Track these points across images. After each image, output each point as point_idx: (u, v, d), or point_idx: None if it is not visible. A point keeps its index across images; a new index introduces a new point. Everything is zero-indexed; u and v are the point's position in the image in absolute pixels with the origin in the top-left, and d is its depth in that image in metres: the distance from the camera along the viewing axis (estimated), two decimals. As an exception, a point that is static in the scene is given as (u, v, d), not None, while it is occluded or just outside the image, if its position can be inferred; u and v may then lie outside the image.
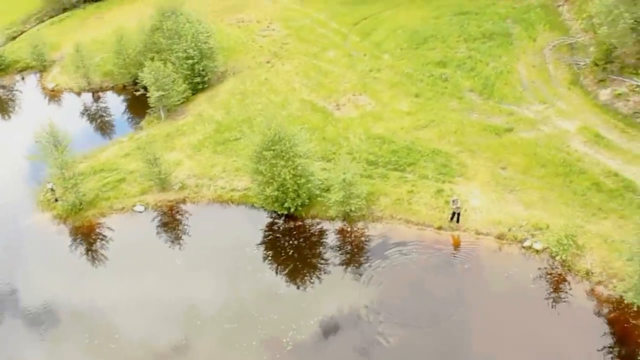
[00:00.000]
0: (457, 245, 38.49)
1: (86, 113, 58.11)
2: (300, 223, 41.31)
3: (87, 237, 42.37)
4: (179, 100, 53.07)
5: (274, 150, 39.16)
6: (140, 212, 43.63)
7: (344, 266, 38.03)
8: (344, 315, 34.92)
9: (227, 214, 43.11)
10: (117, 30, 58.38)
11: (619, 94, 46.29)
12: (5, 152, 52.17)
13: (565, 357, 31.48)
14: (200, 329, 34.89)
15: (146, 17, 58.68)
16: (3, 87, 63.80)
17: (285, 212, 41.30)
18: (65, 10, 77.66)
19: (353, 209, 39.79)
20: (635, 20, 45.04)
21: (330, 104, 51.88)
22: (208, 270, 38.44)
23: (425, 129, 47.22)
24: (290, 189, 39.98)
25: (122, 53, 58.06)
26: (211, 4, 71.65)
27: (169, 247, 40.98)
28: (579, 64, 51.31)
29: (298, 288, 37.27)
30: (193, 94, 55.33)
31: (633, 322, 32.60)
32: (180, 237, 41.73)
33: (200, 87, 55.89)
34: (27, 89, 63.42)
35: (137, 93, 54.23)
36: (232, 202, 43.70)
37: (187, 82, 54.64)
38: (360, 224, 40.50)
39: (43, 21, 76.36)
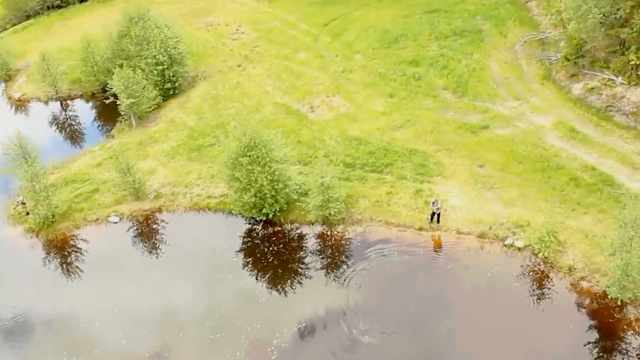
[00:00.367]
0: (438, 246, 38.32)
1: (55, 122, 56.93)
2: (279, 228, 40.85)
3: (61, 250, 41.38)
4: (150, 107, 52.23)
5: (249, 156, 38.64)
6: (115, 222, 42.75)
7: (325, 270, 37.66)
8: (327, 321, 34.51)
9: (204, 222, 42.46)
10: (84, 37, 57.23)
11: (592, 88, 46.63)
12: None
13: (550, 353, 31.42)
14: (183, 341, 34.21)
15: (112, 23, 57.66)
16: (-34, 98, 62.20)
17: (264, 218, 40.80)
18: (28, 17, 76.09)
19: (332, 212, 39.44)
20: (604, 15, 45.38)
21: (304, 107, 51.47)
22: (187, 280, 37.73)
23: (401, 129, 47.05)
24: (268, 195, 39.50)
25: (89, 60, 57.02)
26: (179, 8, 70.84)
27: (147, 257, 40.22)
28: (550, 59, 51.63)
29: (280, 294, 36.80)
30: (164, 100, 54.50)
31: (617, 316, 32.73)
32: (158, 246, 40.99)
33: (172, 92, 55.08)
34: (-8, 100, 61.94)
35: (107, 101, 53.20)
36: (209, 210, 43.05)
37: (157, 88, 53.78)
38: (340, 228, 40.15)
39: (6, 29, 74.78)
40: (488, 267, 36.24)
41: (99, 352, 34.11)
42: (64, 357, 34.14)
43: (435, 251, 38.08)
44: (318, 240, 39.79)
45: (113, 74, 50.78)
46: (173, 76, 54.57)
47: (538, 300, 34.32)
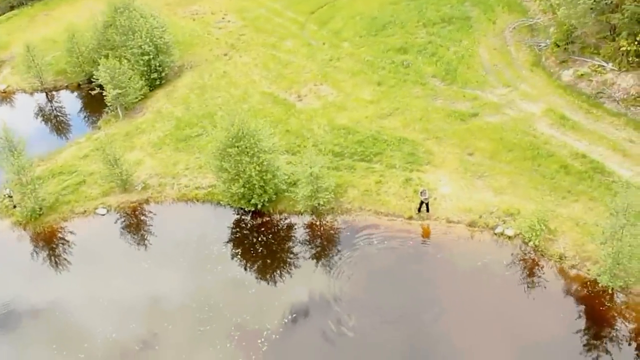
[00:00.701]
0: (427, 235, 38.14)
1: (41, 114, 56.15)
2: (268, 219, 40.56)
3: (49, 242, 40.95)
4: (136, 98, 51.64)
5: (238, 146, 38.25)
6: (103, 214, 42.28)
7: (315, 260, 37.49)
8: (318, 312, 34.35)
9: (192, 213, 42.08)
10: (69, 27, 56.36)
11: (582, 75, 46.39)
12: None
13: (541, 341, 31.33)
14: (172, 333, 33.95)
15: (97, 13, 56.81)
16: (-50, 90, 61.28)
17: (253, 209, 40.48)
18: (12, 8, 74.83)
19: (321, 202, 39.17)
20: (594, 1, 45.02)
21: (291, 95, 51.02)
22: (176, 272, 37.41)
23: (389, 117, 46.72)
24: (256, 185, 39.17)
25: (74, 51, 56.17)
26: (164, -3, 69.91)
27: (135, 249, 39.87)
28: (540, 45, 51.33)
29: (269, 285, 36.62)
30: (150, 90, 53.87)
31: (608, 304, 32.71)
32: (146, 238, 40.61)
33: (158, 83, 54.45)
34: (-24, 92, 61.07)
35: (93, 92, 52.51)
36: (197, 201, 42.66)
37: (143, 78, 53.16)
38: (329, 217, 39.92)
39: (-11, 20, 73.66)
40: (478, 256, 36.10)
41: (89, 345, 33.81)
42: (54, 350, 33.86)
43: (425, 240, 37.90)
44: (307, 230, 39.54)
45: (99, 65, 50.17)
46: (159, 66, 53.93)
47: (529, 289, 34.27)
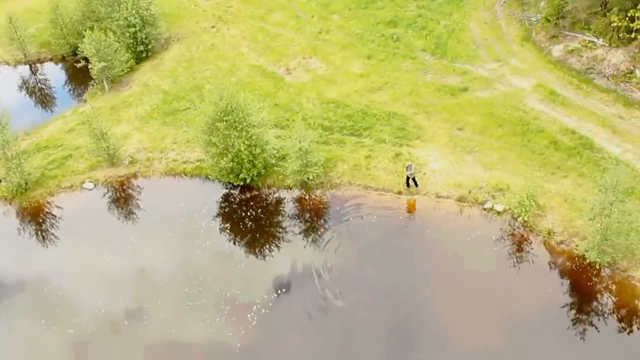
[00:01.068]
0: (412, 209, 38.16)
1: (25, 87, 55.25)
2: (256, 193, 40.42)
3: (36, 217, 40.60)
4: (122, 71, 50.89)
5: (226, 121, 37.89)
6: (90, 189, 41.91)
7: (304, 235, 37.54)
8: (307, 286, 34.41)
9: (180, 187, 41.83)
10: (52, -3, 55.41)
11: (572, 50, 46.17)
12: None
13: (529, 316, 31.60)
14: (162, 308, 33.94)
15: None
16: None
17: (241, 183, 40.25)
18: (-7, -23, 73.43)
19: (311, 177, 38.99)
20: (585, -25, 44.84)
21: (280, 69, 50.50)
22: (165, 247, 37.30)
23: (379, 91, 46.41)
24: (245, 160, 38.92)
25: (58, 22, 55.06)
26: (150, -33, 68.62)
27: (123, 224, 39.70)
28: (530, 20, 50.93)
29: (259, 260, 36.69)
30: (137, 63, 53.08)
31: (595, 279, 32.97)
32: (134, 213, 40.42)
33: (144, 55, 53.64)
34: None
35: (78, 65, 51.62)
36: (185, 175, 42.40)
37: (130, 51, 52.34)
38: (318, 192, 39.84)
39: (-30, -10, 72.08)
40: (467, 231, 36.17)
41: (78, 320, 33.72)
42: (42, 326, 33.73)
43: (413, 215, 37.90)
44: (296, 204, 39.45)
45: (83, 37, 49.29)
46: (145, 38, 53.09)
47: (517, 264, 34.44)
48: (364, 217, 37.90)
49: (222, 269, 35.88)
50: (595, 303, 32.23)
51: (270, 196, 40.26)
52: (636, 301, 31.81)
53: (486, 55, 48.60)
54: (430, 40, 50.69)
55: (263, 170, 40.28)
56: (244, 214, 39.22)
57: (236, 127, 38.08)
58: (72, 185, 42.15)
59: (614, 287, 32.57)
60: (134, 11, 51.48)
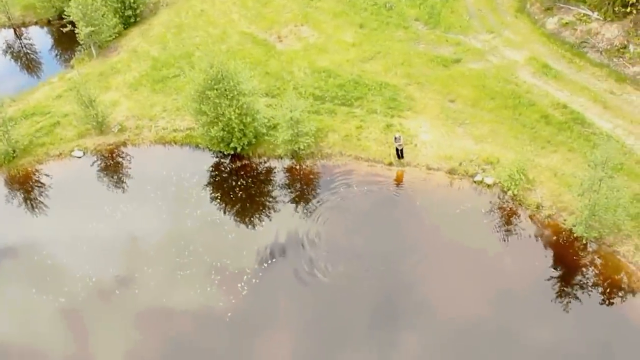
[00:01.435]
0: (399, 180, 38.25)
1: (9, 52, 54.42)
2: (247, 162, 40.30)
3: (24, 185, 40.30)
4: (110, 36, 50.07)
5: (217, 89, 37.55)
6: (79, 157, 41.59)
7: (294, 205, 37.53)
8: (297, 256, 34.53)
9: (170, 156, 41.58)
10: (36, -42, 54.24)
11: (566, 23, 45.90)
12: None
13: (516, 288, 32.04)
14: (152, 278, 33.96)
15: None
16: None
17: (232, 152, 40.09)
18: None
19: (301, 147, 38.89)
20: (582, -55, 44.42)
21: (271, 36, 49.97)
22: (155, 216, 37.20)
23: (371, 61, 46.08)
24: (235, 129, 38.69)
25: (43, -16, 54.18)
26: None
27: (113, 192, 39.50)
28: (525, -9, 50.61)
29: (249, 229, 36.65)
30: (125, 29, 52.27)
31: (581, 253, 33.30)
32: (124, 181, 40.21)
33: (133, 20, 52.82)
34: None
35: (65, 29, 50.66)
36: (175, 143, 42.12)
37: (117, 15, 51.43)
38: (309, 162, 39.79)
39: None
40: (457, 203, 36.33)
41: (69, 288, 33.74)
42: (33, 295, 33.69)
43: (404, 186, 37.98)
44: (287, 174, 39.43)
45: (69, 0, 48.21)
46: (134, 3, 52.11)
47: (505, 237, 34.71)
48: (354, 188, 37.93)
49: (213, 238, 35.87)
50: (580, 276, 32.62)
51: (261, 165, 40.15)
52: (620, 275, 32.23)
53: (479, 26, 48.29)
54: (423, 10, 50.23)
55: (254, 140, 40.08)
56: (234, 183, 39.13)
57: (227, 95, 37.77)
58: (60, 153, 41.80)
59: (599, 261, 32.90)
60: (121, -27, 50.60)
